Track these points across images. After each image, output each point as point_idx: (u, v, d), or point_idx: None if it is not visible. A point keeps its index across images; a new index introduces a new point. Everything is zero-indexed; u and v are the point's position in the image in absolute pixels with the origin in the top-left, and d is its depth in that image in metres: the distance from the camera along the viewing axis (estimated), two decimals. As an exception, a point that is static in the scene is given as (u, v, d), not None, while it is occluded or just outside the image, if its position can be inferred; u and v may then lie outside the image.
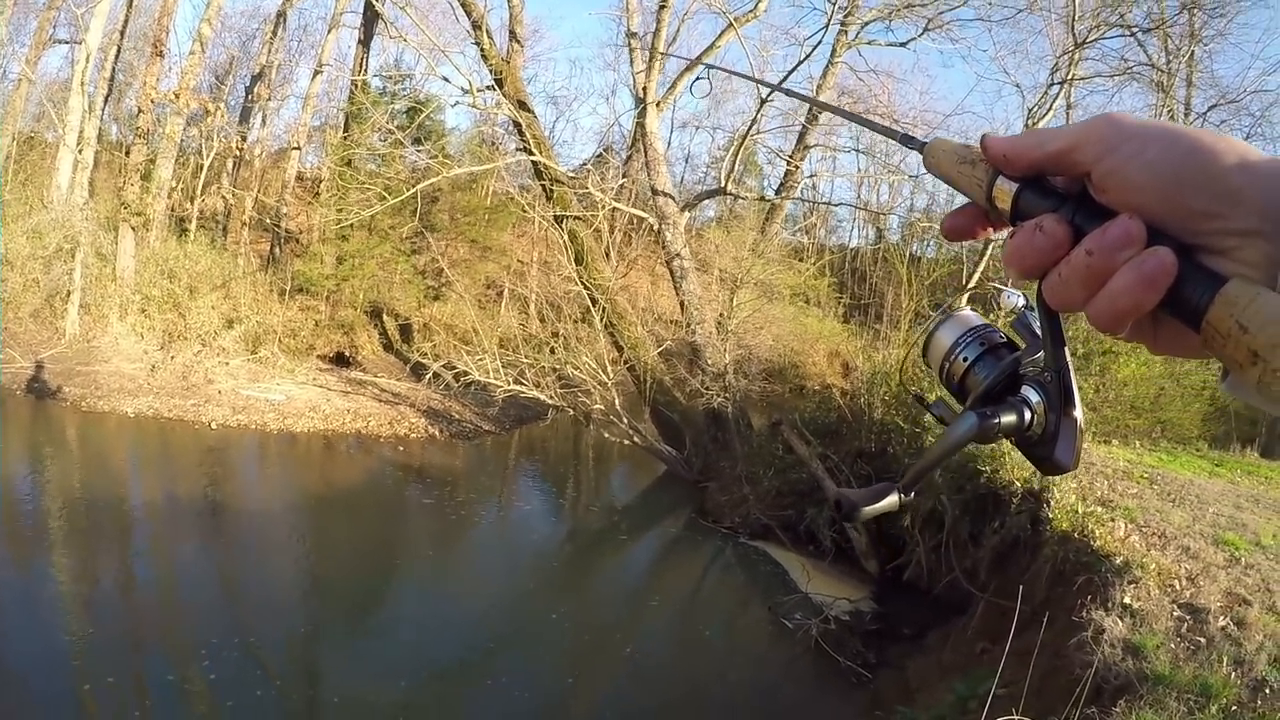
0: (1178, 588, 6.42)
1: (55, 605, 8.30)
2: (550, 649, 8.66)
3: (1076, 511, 8.60)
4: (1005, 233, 0.68)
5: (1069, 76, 19.67)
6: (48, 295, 18.24)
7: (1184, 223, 0.56)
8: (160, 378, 16.87)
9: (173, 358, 17.61)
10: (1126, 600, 6.27)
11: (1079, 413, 0.65)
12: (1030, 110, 20.94)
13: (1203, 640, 5.66)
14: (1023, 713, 4.67)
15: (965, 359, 0.74)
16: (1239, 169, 0.54)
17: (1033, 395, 0.67)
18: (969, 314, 0.79)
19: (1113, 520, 8.46)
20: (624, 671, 8.44)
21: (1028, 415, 0.67)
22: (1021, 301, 0.74)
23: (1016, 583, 7.07)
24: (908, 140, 0.85)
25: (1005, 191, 0.66)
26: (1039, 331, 0.68)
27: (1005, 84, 36.42)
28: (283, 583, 9.86)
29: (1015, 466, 10.03)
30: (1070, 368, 0.66)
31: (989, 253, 20.37)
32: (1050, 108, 20.47)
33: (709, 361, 15.01)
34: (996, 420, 0.67)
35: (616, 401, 14.87)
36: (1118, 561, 7.04)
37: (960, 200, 0.74)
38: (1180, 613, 6.09)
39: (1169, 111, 25.23)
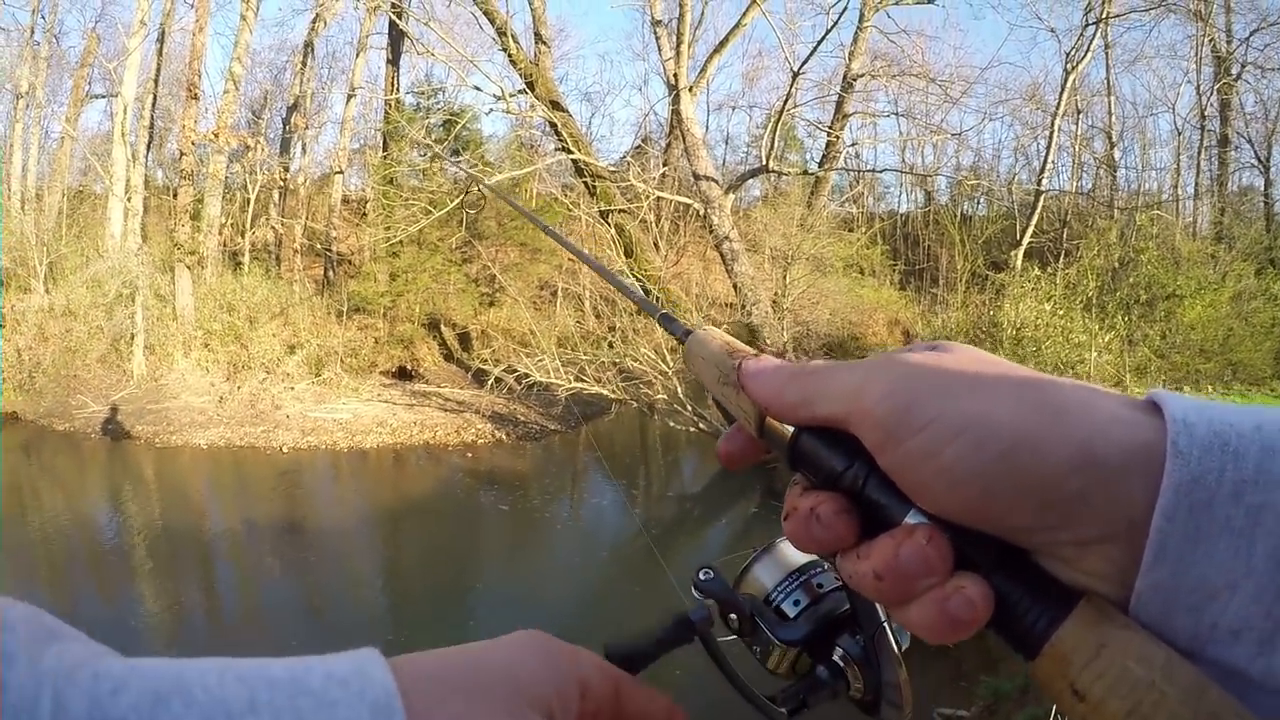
0: None
1: (147, 636, 8.44)
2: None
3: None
4: None
5: (1103, 15, 19.18)
6: (113, 340, 18.67)
7: (1003, 534, 0.41)
8: (229, 408, 17.15)
9: (239, 388, 17.88)
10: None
11: (901, 673, 0.56)
12: (1068, 54, 20.46)
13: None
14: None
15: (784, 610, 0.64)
16: (1076, 470, 0.38)
17: (852, 649, 0.59)
18: (790, 551, 0.67)
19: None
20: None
21: (842, 681, 0.60)
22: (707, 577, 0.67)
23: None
24: (668, 323, 0.69)
25: (781, 429, 0.49)
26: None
27: (1040, 30, 35.59)
28: (367, 598, 9.94)
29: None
30: (887, 625, 0.56)
31: (1040, 205, 19.97)
32: (1088, 49, 19.97)
33: (768, 341, 14.83)
34: (803, 698, 0.62)
35: (679, 390, 14.76)
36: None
37: None
38: None
39: (1210, 41, 24.46)
